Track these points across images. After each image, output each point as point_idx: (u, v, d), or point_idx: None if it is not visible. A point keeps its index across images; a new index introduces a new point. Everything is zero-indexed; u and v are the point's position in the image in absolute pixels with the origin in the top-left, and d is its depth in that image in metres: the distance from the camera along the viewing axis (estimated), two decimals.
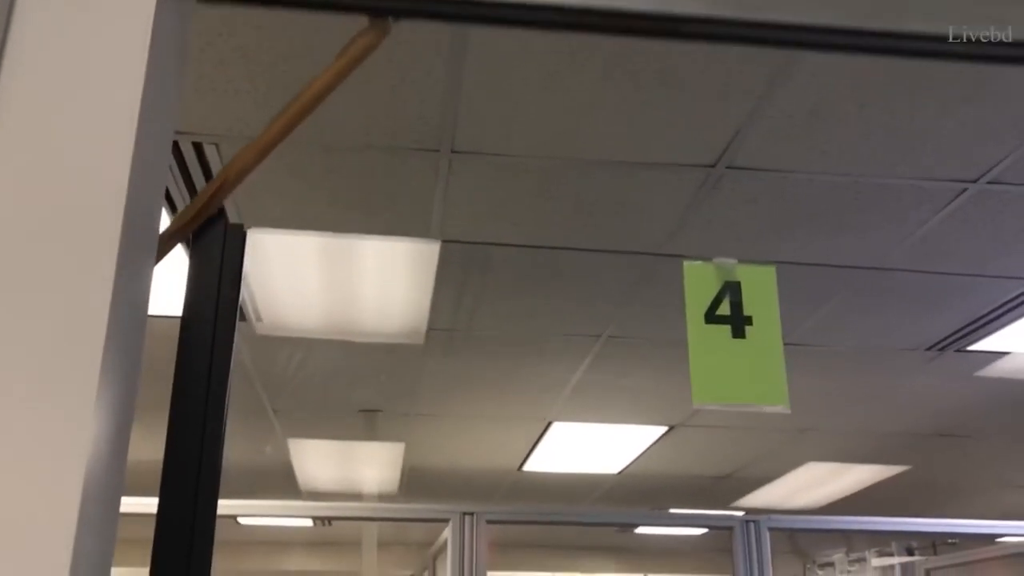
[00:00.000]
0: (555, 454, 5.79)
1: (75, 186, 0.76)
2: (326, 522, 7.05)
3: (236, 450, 5.52)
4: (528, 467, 6.16)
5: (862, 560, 5.78)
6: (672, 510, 7.37)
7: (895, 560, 5.75)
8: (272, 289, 3.26)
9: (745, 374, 1.04)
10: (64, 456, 0.68)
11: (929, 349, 3.75)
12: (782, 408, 1.06)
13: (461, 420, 5.08)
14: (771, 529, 3.69)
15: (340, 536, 6.35)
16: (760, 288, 1.08)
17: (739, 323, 1.06)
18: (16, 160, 0.76)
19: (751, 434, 5.15)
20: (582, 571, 6.33)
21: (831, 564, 6.06)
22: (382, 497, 5.95)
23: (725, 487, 6.38)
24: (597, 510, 6.47)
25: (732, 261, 1.10)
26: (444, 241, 2.84)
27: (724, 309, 1.07)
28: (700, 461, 5.84)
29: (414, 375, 4.22)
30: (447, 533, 3.61)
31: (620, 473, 6.27)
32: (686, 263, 1.10)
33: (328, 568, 7.15)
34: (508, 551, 7.33)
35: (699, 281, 1.08)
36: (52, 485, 0.67)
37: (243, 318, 3.54)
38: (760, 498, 6.38)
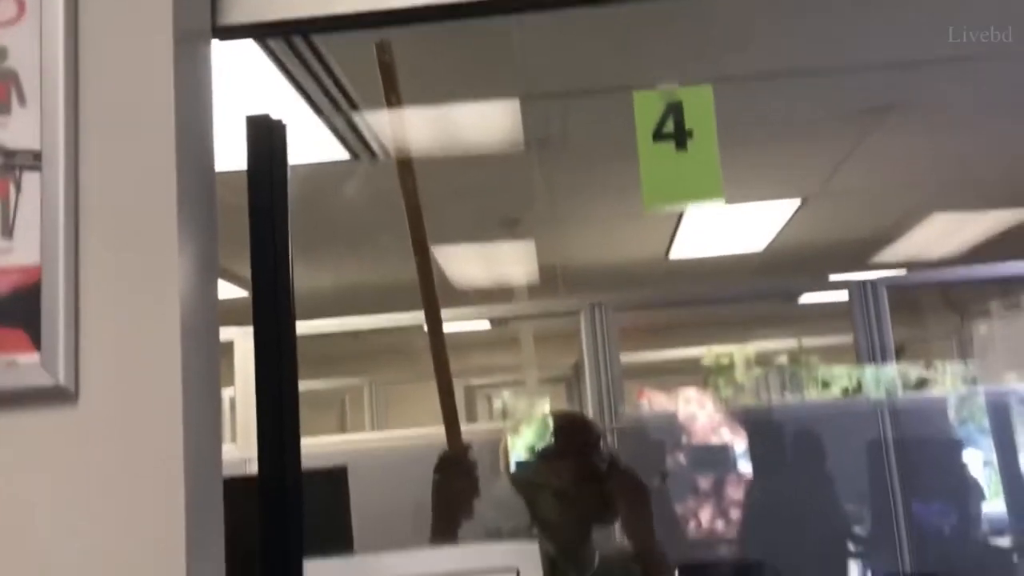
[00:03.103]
0: (696, 240, 6.03)
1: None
2: (499, 323, 7.70)
3: (398, 270, 6.10)
4: (674, 255, 6.43)
5: (1018, 306, 5.74)
6: (797, 280, 7.42)
7: None
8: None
9: (687, 179, 1.29)
10: (160, 297, 1.05)
11: None
12: (719, 201, 1.31)
13: (597, 221, 5.38)
14: (889, 288, 3.83)
15: (504, 334, 6.99)
16: (699, 106, 1.31)
17: (681, 138, 1.30)
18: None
19: (883, 200, 5.15)
20: (738, 343, 6.69)
21: (988, 312, 6.06)
22: (531, 291, 6.44)
23: (868, 248, 6.40)
24: (721, 289, 6.65)
25: (675, 85, 1.33)
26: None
27: (668, 127, 1.31)
28: (839, 229, 5.89)
29: (537, 186, 4.52)
30: (581, 324, 4.00)
31: (765, 250, 6.43)
32: (635, 92, 1.33)
33: (497, 363, 7.91)
34: (670, 331, 7.78)
35: (647, 107, 1.31)
36: (155, 324, 1.05)
37: (375, 157, 3.92)
38: (900, 251, 6.35)
